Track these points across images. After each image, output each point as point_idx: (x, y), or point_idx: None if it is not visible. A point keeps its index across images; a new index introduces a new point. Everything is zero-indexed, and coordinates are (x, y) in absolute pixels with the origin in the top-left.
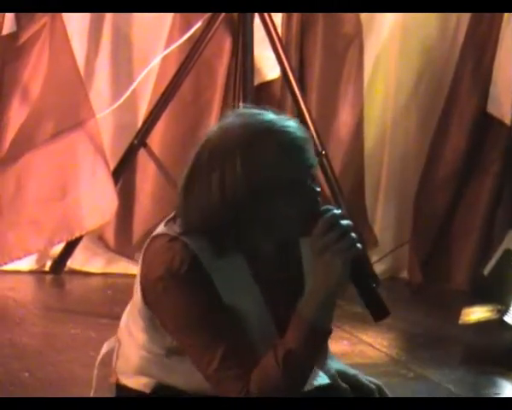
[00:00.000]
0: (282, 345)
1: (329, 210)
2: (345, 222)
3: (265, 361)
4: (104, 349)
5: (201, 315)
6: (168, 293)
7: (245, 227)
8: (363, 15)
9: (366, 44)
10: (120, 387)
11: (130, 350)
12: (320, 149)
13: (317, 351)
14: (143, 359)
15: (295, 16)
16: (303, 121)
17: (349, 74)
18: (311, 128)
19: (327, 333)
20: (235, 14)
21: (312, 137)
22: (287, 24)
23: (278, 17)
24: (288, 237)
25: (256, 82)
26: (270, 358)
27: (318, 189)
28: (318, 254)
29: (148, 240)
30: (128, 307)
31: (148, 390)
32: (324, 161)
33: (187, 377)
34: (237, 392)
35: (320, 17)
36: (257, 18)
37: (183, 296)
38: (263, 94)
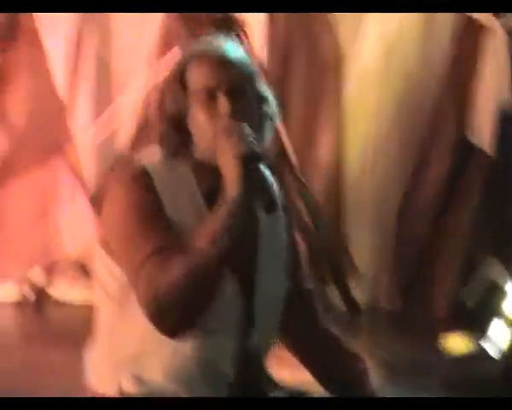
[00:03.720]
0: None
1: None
2: (243, 128)
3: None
4: None
5: (141, 219)
6: (113, 200)
7: (188, 137)
8: (343, 41)
9: (346, 71)
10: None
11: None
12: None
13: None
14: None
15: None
16: (283, 149)
17: (327, 102)
18: (292, 157)
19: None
20: None
21: (292, 165)
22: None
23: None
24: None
25: None
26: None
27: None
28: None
29: None
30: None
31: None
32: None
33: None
34: (158, 282)
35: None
36: None
37: (127, 199)
38: None
